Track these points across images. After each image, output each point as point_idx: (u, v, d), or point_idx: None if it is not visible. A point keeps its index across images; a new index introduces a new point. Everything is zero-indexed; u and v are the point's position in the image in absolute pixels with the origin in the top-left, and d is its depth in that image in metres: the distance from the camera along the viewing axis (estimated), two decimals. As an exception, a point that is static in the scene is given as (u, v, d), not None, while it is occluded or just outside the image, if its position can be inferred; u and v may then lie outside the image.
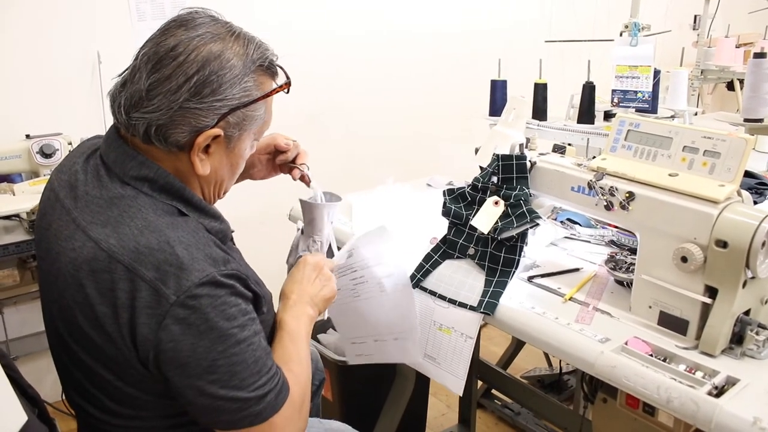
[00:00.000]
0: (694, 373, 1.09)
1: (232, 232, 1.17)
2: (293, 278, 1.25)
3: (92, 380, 1.05)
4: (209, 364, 0.95)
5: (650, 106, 2.15)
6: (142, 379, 1.00)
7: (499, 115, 1.85)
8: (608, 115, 2.25)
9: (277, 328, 1.17)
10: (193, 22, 1.03)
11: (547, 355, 2.70)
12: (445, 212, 1.52)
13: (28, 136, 2.17)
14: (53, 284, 1.05)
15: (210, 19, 1.05)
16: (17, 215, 2.07)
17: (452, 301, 1.43)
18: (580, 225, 1.75)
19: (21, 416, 0.89)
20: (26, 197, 1.99)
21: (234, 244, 1.20)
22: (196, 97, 0.99)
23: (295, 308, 1.20)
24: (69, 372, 1.10)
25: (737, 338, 1.16)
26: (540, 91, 2.24)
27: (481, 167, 1.57)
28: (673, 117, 2.26)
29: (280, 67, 1.11)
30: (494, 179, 1.47)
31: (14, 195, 2.02)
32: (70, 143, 2.19)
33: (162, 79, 0.99)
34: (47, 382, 2.49)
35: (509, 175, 1.45)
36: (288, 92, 1.13)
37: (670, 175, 1.24)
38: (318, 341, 2.09)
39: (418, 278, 1.50)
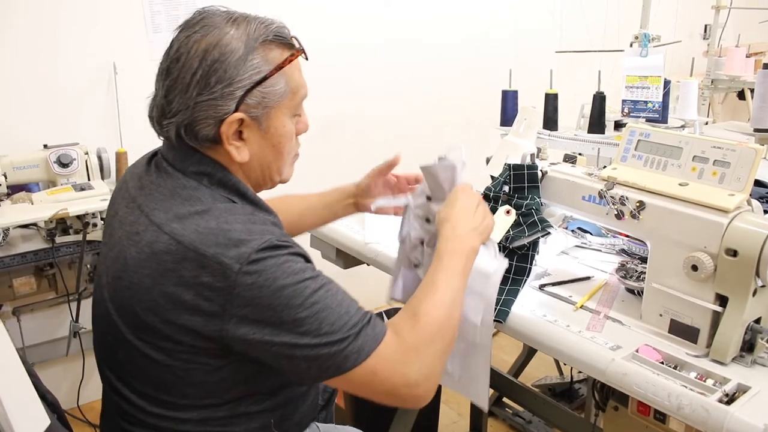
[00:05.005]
0: (704, 381, 1.10)
1: None
2: (455, 205, 1.21)
3: (137, 362, 1.06)
4: (293, 319, 0.96)
5: (660, 116, 2.16)
6: (197, 352, 1.01)
7: (510, 125, 1.87)
8: (619, 125, 2.26)
9: (435, 258, 1.16)
10: (191, 22, 1.05)
11: (558, 364, 2.71)
12: (457, 221, 1.53)
13: (45, 146, 2.20)
14: (110, 267, 1.08)
15: (209, 13, 1.06)
16: (35, 224, 2.10)
17: (464, 309, 1.44)
18: (591, 234, 1.76)
19: (44, 419, 0.91)
20: (44, 206, 2.01)
21: None
22: (206, 89, 1.01)
23: (459, 239, 1.17)
24: (113, 354, 1.11)
25: (748, 346, 1.17)
26: (551, 101, 2.26)
27: (492, 177, 1.58)
28: (683, 127, 2.27)
29: (294, 37, 1.10)
30: (506, 188, 1.49)
31: (32, 204, 2.04)
32: (86, 153, 2.22)
33: (173, 84, 1.03)
34: (63, 389, 2.52)
35: (520, 184, 1.47)
36: (307, 59, 1.11)
37: (680, 184, 1.25)
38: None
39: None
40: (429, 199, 1.29)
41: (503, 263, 1.29)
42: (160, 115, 1.05)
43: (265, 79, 1.04)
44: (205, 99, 1.01)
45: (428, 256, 1.28)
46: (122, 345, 1.07)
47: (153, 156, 1.15)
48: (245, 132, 1.06)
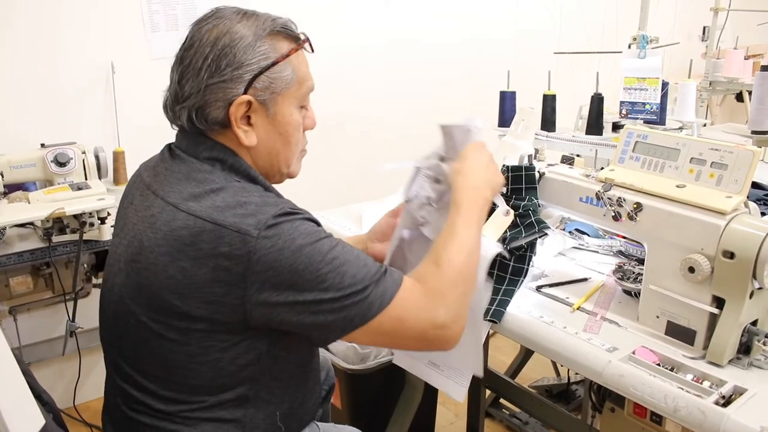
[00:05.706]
0: (701, 383, 1.10)
1: None
2: (468, 158, 1.27)
3: (150, 345, 1.08)
4: (315, 276, 1.00)
5: (658, 117, 2.16)
6: (213, 330, 1.04)
7: (508, 126, 1.87)
8: (616, 127, 2.26)
9: (452, 207, 1.21)
10: (205, 17, 1.11)
11: (555, 365, 2.70)
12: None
13: (42, 146, 2.19)
14: (123, 253, 1.11)
15: (221, 9, 1.12)
16: (31, 223, 2.09)
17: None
18: (589, 235, 1.76)
19: (39, 419, 0.91)
20: (41, 205, 2.00)
21: None
22: (217, 72, 1.06)
23: (474, 189, 1.22)
24: (125, 340, 1.12)
25: (744, 348, 1.17)
26: (549, 103, 2.26)
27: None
28: (681, 128, 2.27)
29: (302, 33, 1.15)
30: (503, 189, 1.49)
31: (29, 203, 2.03)
32: (84, 152, 2.21)
33: (185, 70, 1.08)
34: (59, 389, 2.51)
35: (518, 185, 1.46)
36: (312, 51, 1.17)
37: (677, 186, 1.25)
38: (327, 348, 2.10)
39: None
40: (442, 160, 1.33)
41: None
42: (173, 101, 1.10)
43: (273, 65, 1.09)
44: (215, 81, 1.06)
45: (435, 214, 1.31)
46: (135, 329, 1.09)
47: (165, 148, 1.18)
48: (253, 117, 1.10)
